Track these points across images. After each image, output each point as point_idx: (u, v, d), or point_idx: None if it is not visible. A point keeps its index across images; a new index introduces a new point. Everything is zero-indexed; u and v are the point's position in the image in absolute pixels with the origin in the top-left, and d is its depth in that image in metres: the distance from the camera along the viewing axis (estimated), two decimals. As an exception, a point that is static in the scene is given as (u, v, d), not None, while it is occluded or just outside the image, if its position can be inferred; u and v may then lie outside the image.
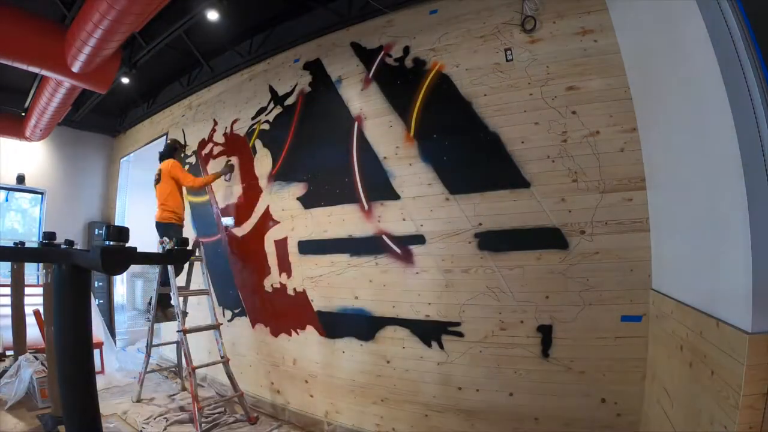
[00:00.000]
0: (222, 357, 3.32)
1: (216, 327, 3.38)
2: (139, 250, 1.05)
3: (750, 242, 1.15)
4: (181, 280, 3.70)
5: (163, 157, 3.73)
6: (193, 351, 3.16)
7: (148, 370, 3.63)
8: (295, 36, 3.49)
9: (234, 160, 3.83)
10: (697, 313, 1.44)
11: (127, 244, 0.98)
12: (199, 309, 3.75)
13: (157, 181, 3.64)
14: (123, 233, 0.93)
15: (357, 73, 3.03)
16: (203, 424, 2.95)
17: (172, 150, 3.79)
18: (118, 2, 2.41)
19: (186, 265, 3.72)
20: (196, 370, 3.12)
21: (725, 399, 1.20)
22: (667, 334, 1.75)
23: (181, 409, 3.34)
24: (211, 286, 3.75)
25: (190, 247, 1.97)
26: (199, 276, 3.80)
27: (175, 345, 4.02)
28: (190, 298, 3.67)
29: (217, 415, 3.22)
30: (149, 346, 3.61)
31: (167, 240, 3.40)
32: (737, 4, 1.26)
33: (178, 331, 3.26)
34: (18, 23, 3.01)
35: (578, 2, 2.27)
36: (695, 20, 1.35)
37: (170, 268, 3.38)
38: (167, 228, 3.51)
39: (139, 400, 3.49)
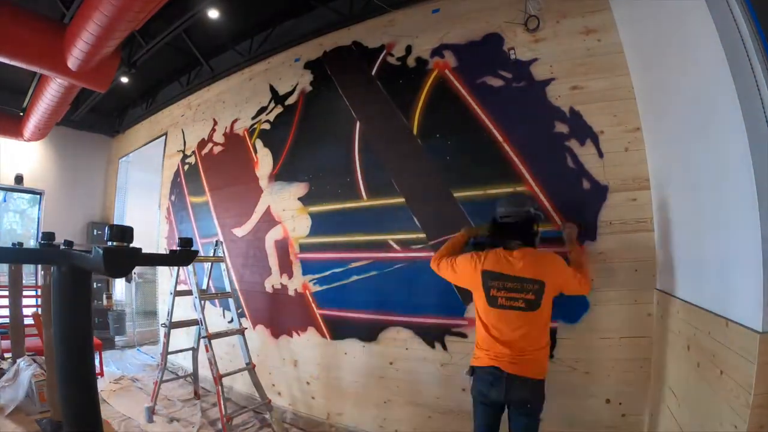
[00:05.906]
0: (247, 363, 3.09)
1: (241, 332, 3.15)
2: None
3: (760, 241, 1.14)
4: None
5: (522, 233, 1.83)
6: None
7: (164, 379, 3.22)
8: (296, 35, 3.47)
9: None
10: (705, 313, 1.43)
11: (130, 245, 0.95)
12: (207, 314, 3.58)
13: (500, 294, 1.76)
14: (127, 233, 0.90)
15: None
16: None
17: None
18: (117, 0, 2.39)
19: (207, 266, 3.50)
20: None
21: (735, 398, 1.19)
22: (673, 334, 1.74)
23: (211, 424, 3.09)
24: (236, 289, 3.56)
25: (195, 248, 1.93)
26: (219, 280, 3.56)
27: (190, 352, 3.72)
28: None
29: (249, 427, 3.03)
30: (165, 355, 3.24)
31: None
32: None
33: (203, 337, 2.96)
34: (17, 22, 2.98)
35: (582, 1, 2.26)
36: (702, 16, 1.34)
37: (188, 269, 3.13)
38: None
39: (153, 416, 3.10)
